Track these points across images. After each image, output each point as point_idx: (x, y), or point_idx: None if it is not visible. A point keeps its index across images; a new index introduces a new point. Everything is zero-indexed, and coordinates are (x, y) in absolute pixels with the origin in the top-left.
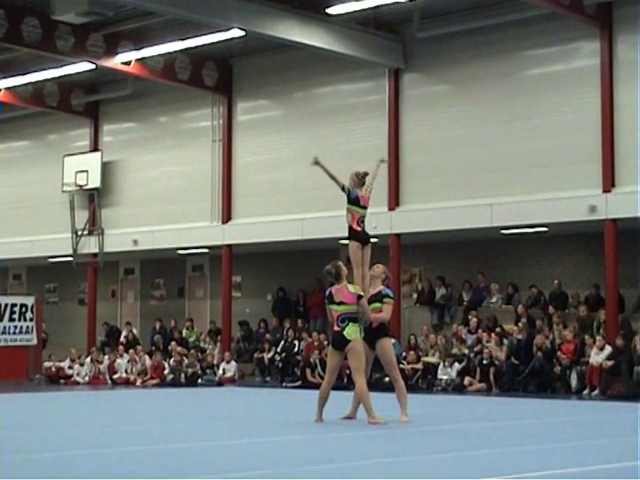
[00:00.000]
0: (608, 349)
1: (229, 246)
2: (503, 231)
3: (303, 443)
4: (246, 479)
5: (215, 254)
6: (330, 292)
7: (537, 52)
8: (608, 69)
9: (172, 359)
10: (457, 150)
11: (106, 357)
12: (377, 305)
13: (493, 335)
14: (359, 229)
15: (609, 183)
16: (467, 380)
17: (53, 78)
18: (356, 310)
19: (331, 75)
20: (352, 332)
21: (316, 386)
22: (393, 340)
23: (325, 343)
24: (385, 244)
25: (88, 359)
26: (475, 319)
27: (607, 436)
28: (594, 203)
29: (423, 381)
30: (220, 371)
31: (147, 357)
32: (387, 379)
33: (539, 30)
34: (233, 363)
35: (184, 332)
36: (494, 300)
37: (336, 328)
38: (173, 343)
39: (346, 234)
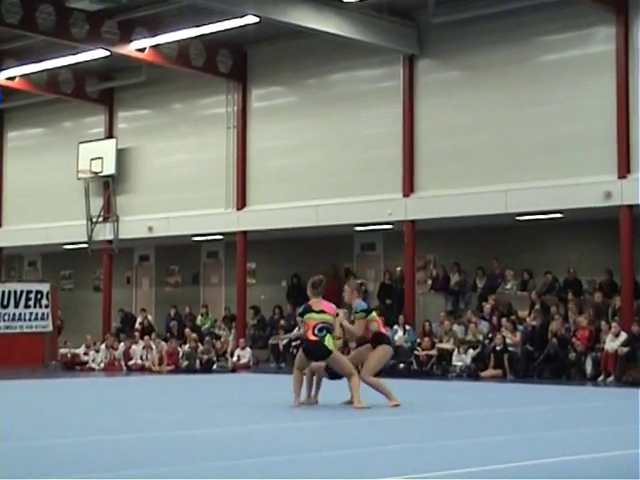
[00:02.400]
0: (623, 335)
1: (244, 233)
2: (518, 217)
3: (316, 429)
4: (253, 467)
5: (230, 241)
6: (308, 305)
7: (552, 38)
8: (624, 54)
9: (187, 345)
10: (472, 136)
11: (121, 344)
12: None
13: (506, 321)
14: (313, 339)
15: (624, 169)
16: (482, 366)
17: (68, 65)
18: (332, 322)
19: (345, 61)
20: (331, 343)
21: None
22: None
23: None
24: (400, 230)
25: (103, 345)
26: (489, 306)
27: (622, 422)
28: (609, 189)
29: (438, 367)
30: (235, 357)
31: (163, 343)
32: (401, 366)
33: (554, 16)
34: (248, 349)
35: (199, 319)
36: (509, 286)
37: (313, 338)
38: (187, 330)
39: (360, 220)
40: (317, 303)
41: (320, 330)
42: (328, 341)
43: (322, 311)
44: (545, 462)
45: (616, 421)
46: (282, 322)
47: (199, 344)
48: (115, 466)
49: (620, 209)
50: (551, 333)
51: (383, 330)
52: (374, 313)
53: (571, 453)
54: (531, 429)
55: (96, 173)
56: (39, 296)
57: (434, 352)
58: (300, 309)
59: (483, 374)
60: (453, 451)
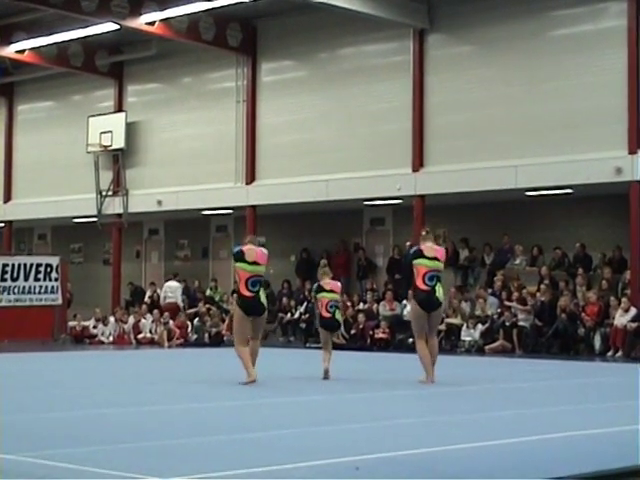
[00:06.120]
0: (633, 311)
1: (253, 207)
2: (528, 193)
3: (325, 403)
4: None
5: (239, 215)
6: (241, 250)
7: (564, 12)
8: (635, 30)
9: (196, 319)
10: (482, 111)
11: (131, 317)
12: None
13: (516, 295)
14: (328, 315)
15: (634, 144)
16: (490, 341)
17: (78, 38)
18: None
19: (355, 36)
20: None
21: (339, 347)
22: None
23: (349, 304)
24: (409, 205)
25: (112, 319)
26: (500, 282)
27: (630, 398)
28: (619, 165)
29: (446, 342)
30: None
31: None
32: (410, 340)
33: None
34: None
35: (208, 292)
36: (518, 262)
37: (247, 293)
38: (201, 303)
39: (369, 195)
40: (250, 251)
41: (254, 284)
42: (263, 296)
43: (255, 262)
44: (552, 437)
45: (624, 396)
46: (291, 297)
47: (208, 318)
48: (121, 438)
49: (630, 185)
50: (560, 308)
51: (420, 284)
52: (427, 261)
53: (578, 428)
54: (538, 404)
55: (106, 147)
56: (49, 269)
57: (443, 327)
58: (235, 249)
59: (489, 347)
60: (459, 426)
